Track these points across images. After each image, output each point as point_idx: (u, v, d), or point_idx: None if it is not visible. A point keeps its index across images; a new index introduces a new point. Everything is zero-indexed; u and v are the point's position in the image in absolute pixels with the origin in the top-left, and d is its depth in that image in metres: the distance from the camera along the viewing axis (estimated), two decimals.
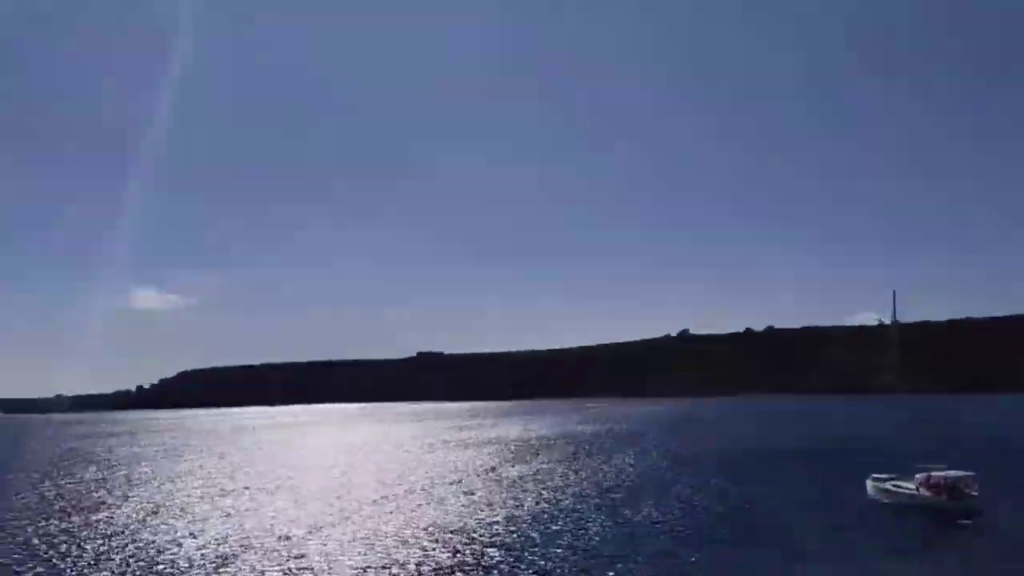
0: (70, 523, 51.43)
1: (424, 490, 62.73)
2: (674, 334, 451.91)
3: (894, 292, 57.93)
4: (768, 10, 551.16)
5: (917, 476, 50.87)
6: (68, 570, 37.98)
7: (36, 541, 45.38)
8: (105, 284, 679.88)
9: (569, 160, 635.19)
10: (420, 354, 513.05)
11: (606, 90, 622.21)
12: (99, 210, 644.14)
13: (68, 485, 74.16)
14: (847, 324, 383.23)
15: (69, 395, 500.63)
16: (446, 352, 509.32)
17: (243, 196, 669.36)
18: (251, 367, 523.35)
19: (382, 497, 59.19)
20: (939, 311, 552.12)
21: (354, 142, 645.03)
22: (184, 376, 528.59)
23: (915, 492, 50.08)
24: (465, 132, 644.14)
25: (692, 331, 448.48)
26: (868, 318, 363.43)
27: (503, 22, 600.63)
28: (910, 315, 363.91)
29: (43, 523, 51.75)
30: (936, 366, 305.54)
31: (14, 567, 38.93)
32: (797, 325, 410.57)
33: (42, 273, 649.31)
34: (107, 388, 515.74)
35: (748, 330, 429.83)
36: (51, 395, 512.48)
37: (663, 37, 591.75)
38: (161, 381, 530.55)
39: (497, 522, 47.37)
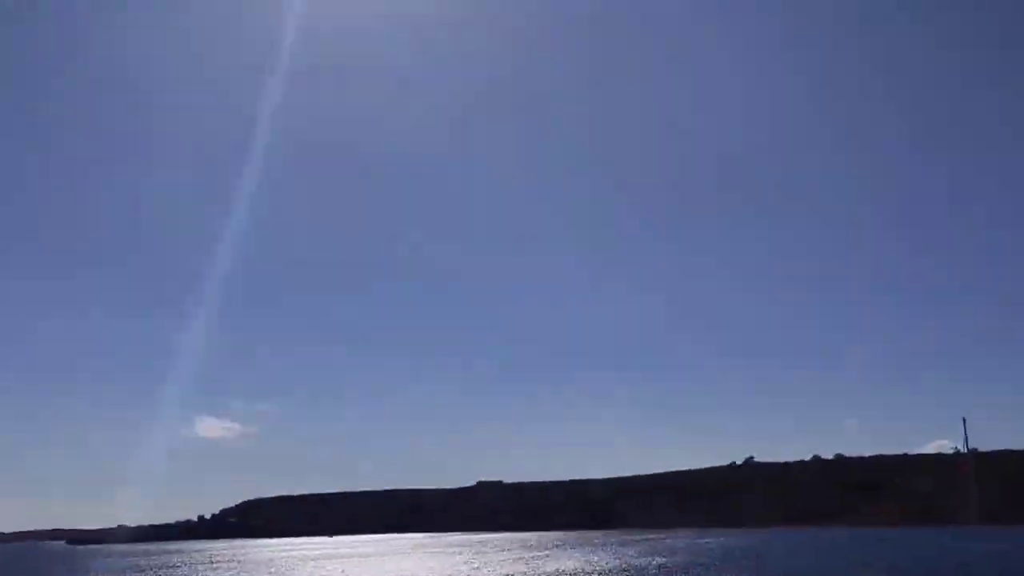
0: None
1: None
2: (739, 462, 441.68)
3: (964, 420, 56.85)
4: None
5: None
6: None
7: None
8: (166, 414, 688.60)
9: (621, 280, 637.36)
10: (480, 483, 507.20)
11: (655, 221, 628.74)
12: (160, 340, 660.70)
13: None
14: (921, 452, 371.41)
15: (131, 525, 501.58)
16: (506, 480, 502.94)
17: (303, 327, 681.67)
18: (311, 496, 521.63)
19: None
20: (1019, 439, 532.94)
21: (412, 273, 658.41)
22: (245, 505, 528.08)
23: None
24: (526, 261, 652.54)
25: (757, 459, 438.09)
26: (944, 446, 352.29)
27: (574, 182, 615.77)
28: (988, 443, 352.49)
29: None
30: (1018, 496, 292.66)
31: None
32: (868, 453, 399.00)
33: (104, 404, 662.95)
34: (169, 518, 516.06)
35: (816, 457, 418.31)
36: (114, 525, 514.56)
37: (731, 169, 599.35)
38: (222, 511, 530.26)
39: None
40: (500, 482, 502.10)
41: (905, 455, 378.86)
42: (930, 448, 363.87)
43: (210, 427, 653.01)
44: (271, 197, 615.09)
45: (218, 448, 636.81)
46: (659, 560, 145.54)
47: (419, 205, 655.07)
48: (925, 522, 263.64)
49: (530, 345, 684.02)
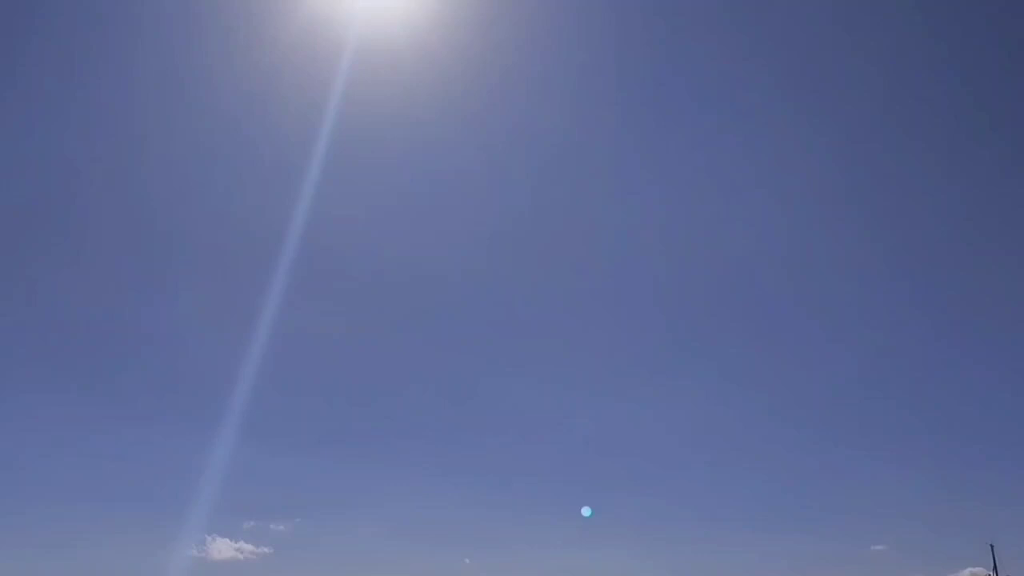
0: None
1: None
2: None
3: (992, 546, 54.30)
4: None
5: None
6: None
7: None
8: (177, 535, 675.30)
9: (647, 401, 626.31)
10: None
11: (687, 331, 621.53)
12: (171, 459, 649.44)
13: None
14: None
15: None
16: None
17: (316, 449, 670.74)
18: None
19: None
20: None
21: (433, 392, 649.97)
22: None
23: None
24: (534, 368, 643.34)
25: None
26: (978, 573, 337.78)
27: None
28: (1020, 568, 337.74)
29: None
30: None
31: None
32: None
33: (112, 526, 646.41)
34: None
35: None
36: None
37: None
38: None
39: None
40: None
41: None
42: (963, 575, 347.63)
43: (222, 548, 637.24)
44: (292, 315, 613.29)
45: (231, 571, 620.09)
46: None
47: (447, 326, 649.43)
48: None
49: (553, 467, 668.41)
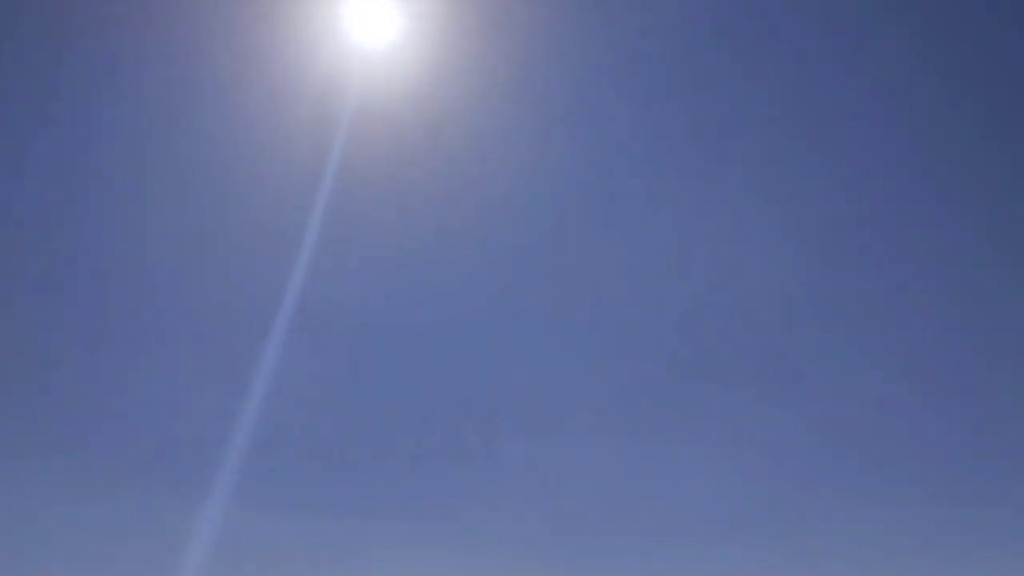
0: None
1: None
2: None
3: None
4: None
5: None
6: None
7: None
8: None
9: (649, 450, 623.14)
10: None
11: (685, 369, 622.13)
12: (165, 525, 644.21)
13: None
14: None
15: None
16: None
17: (311, 518, 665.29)
18: None
19: None
20: None
21: (430, 461, 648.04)
22: None
23: None
24: (553, 442, 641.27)
25: None
26: None
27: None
28: None
29: None
30: None
31: None
32: None
33: None
34: None
35: None
36: None
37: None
38: None
39: None
40: None
41: None
42: None
43: None
44: (289, 375, 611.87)
45: None
46: None
47: (447, 380, 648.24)
48: None
49: (553, 530, 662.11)
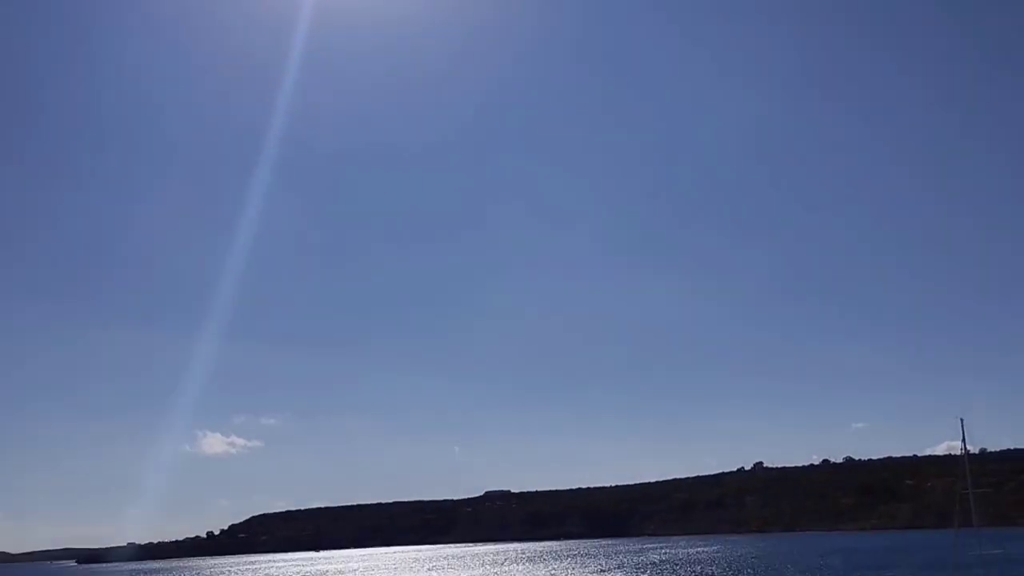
0: None
1: None
2: (748, 467, 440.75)
3: (962, 420, 56.64)
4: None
5: None
6: None
7: None
8: (170, 431, 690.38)
9: (630, 291, 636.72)
10: (487, 493, 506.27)
11: (656, 213, 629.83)
12: (163, 357, 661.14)
13: None
14: (932, 453, 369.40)
15: (140, 543, 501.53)
16: (514, 490, 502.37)
17: (305, 345, 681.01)
18: (318, 510, 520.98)
19: None
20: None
21: (416, 286, 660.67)
22: (253, 521, 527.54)
23: None
24: (513, 267, 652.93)
25: (767, 464, 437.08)
26: (955, 447, 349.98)
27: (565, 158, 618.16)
28: (999, 443, 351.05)
29: None
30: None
31: None
32: (877, 456, 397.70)
33: (108, 422, 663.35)
34: (178, 534, 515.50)
35: (825, 461, 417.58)
36: (123, 543, 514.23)
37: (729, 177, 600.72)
38: (231, 527, 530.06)
39: None
40: (508, 492, 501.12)
41: (915, 456, 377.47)
42: (940, 449, 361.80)
43: (214, 443, 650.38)
44: (278, 209, 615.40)
45: (223, 463, 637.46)
46: (671, 568, 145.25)
47: (430, 213, 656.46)
48: (940, 524, 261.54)
49: (538, 356, 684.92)
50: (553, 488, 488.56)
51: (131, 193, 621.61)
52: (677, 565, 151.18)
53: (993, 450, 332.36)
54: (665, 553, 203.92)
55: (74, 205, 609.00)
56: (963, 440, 57.71)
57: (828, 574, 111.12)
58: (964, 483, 55.76)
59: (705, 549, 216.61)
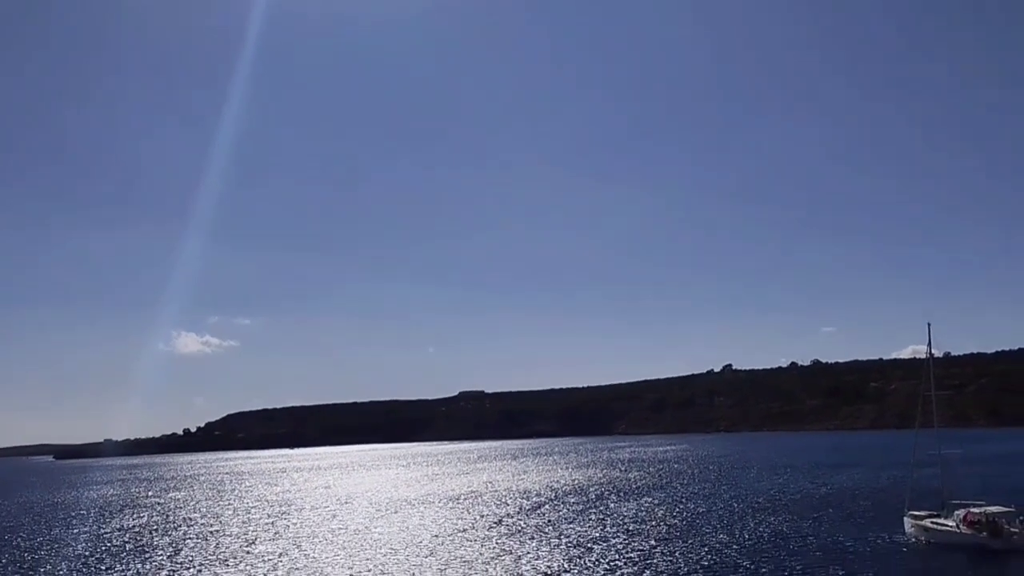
0: (113, 570, 52.51)
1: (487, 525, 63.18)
2: (718, 369, 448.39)
3: (929, 325, 57.53)
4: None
5: (956, 513, 50.28)
6: None
7: None
8: (146, 331, 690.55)
9: (603, 197, 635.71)
10: (462, 393, 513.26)
11: (635, 118, 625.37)
12: (138, 257, 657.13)
13: (116, 530, 75.53)
14: (897, 357, 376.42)
15: (116, 439, 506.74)
16: (488, 391, 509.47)
17: (281, 246, 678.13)
18: (293, 408, 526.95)
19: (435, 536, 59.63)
20: (994, 342, 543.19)
21: (395, 193, 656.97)
22: (229, 419, 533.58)
23: (954, 529, 49.43)
24: (493, 170, 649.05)
25: (736, 366, 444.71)
26: (919, 351, 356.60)
27: (530, 58, 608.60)
28: (963, 347, 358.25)
29: (85, 572, 52.89)
30: (986, 399, 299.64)
31: None
32: (844, 359, 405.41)
33: (88, 321, 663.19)
34: (155, 432, 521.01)
35: (793, 364, 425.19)
36: (100, 440, 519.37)
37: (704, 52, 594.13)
38: (207, 424, 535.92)
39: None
40: (482, 392, 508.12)
41: (881, 360, 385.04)
42: (906, 353, 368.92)
43: (189, 343, 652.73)
44: (259, 113, 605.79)
45: (199, 363, 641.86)
46: (640, 465, 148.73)
47: (412, 117, 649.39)
48: (902, 425, 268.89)
49: (513, 260, 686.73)
50: (527, 389, 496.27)
51: (111, 96, 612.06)
52: (645, 463, 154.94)
53: (957, 354, 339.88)
54: (634, 451, 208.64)
55: (53, 108, 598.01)
56: (928, 344, 58.67)
57: (791, 473, 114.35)
58: (927, 386, 56.96)
59: (674, 448, 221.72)
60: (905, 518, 54.53)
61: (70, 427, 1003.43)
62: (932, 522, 51.39)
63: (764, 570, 43.36)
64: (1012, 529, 47.65)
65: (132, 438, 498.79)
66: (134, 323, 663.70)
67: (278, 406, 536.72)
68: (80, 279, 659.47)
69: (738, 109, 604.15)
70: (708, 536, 55.99)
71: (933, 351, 60.22)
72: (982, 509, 49.30)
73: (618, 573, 43.69)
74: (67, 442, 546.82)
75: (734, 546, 51.29)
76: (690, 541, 53.79)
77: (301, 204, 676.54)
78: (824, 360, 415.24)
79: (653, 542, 54.10)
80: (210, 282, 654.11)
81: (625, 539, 55.80)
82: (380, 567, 48.19)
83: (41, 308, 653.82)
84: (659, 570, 44.09)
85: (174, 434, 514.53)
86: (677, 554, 48.84)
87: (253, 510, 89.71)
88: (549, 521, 67.82)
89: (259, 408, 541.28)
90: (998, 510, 49.11)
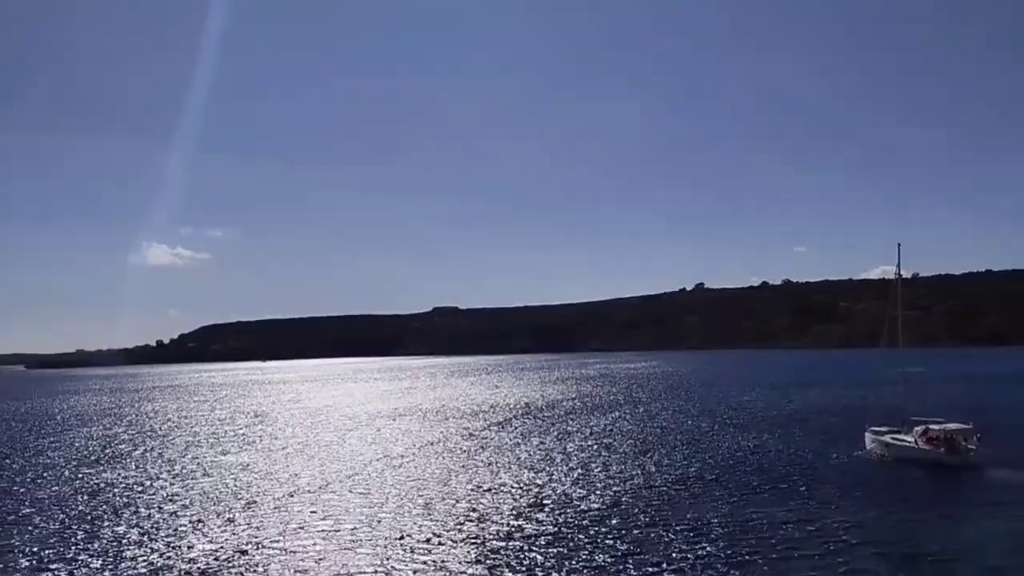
0: (85, 478, 52.81)
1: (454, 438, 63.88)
2: (689, 288, 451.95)
3: (899, 245, 57.92)
4: None
5: (916, 429, 51.35)
6: (86, 523, 39.12)
7: (44, 496, 46.68)
8: (115, 241, 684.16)
9: (577, 112, 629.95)
10: (436, 309, 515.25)
11: (615, 31, 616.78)
12: (113, 169, 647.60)
13: (88, 439, 75.85)
14: (867, 277, 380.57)
15: (89, 350, 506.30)
16: (461, 307, 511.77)
17: (256, 157, 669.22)
18: (268, 322, 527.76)
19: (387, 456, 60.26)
20: (961, 264, 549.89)
21: (368, 106, 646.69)
22: (204, 331, 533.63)
23: (913, 445, 50.54)
24: (470, 82, 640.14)
25: (708, 285, 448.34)
26: (888, 271, 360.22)
27: None
28: (931, 268, 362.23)
29: (56, 479, 53.14)
30: (953, 320, 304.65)
31: (24, 519, 40.12)
32: (816, 279, 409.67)
33: (59, 233, 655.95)
34: (127, 343, 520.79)
35: (765, 283, 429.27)
36: (72, 350, 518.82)
37: None
38: (181, 336, 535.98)
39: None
40: (456, 308, 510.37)
41: (851, 280, 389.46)
42: (875, 273, 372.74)
43: (160, 254, 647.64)
44: (240, 24, 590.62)
45: (171, 275, 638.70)
46: (611, 381, 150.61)
47: (392, 29, 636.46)
48: (869, 344, 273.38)
49: (488, 177, 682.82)
50: (501, 305, 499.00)
51: (89, 4, 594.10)
52: (616, 379, 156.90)
53: (926, 275, 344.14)
54: (606, 368, 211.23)
55: (27, 17, 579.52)
56: (898, 265, 59.26)
57: (759, 390, 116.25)
58: (895, 306, 57.69)
59: (645, 364, 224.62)
60: (866, 433, 55.72)
61: (43, 339, 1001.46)
62: (892, 438, 52.50)
63: (728, 482, 44.25)
64: (969, 446, 48.77)
65: (105, 348, 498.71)
66: (105, 235, 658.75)
67: (252, 319, 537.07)
68: (49, 191, 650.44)
69: (720, 27, 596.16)
70: (675, 450, 57.00)
71: (902, 272, 60.86)
72: (941, 426, 50.37)
73: (587, 485, 44.45)
74: (38, 352, 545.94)
75: (700, 460, 52.27)
76: (657, 455, 54.75)
77: (275, 116, 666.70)
78: (795, 280, 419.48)
79: (621, 455, 55.02)
80: (181, 194, 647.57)
81: (594, 453, 56.71)
82: (349, 478, 48.76)
83: (11, 221, 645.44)
84: (627, 482, 44.90)
85: (147, 345, 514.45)
86: (645, 468, 49.73)
87: (226, 421, 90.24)
88: (520, 435, 68.74)
89: (233, 321, 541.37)
90: (956, 427, 50.19)
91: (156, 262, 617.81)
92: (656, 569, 28.43)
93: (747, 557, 29.53)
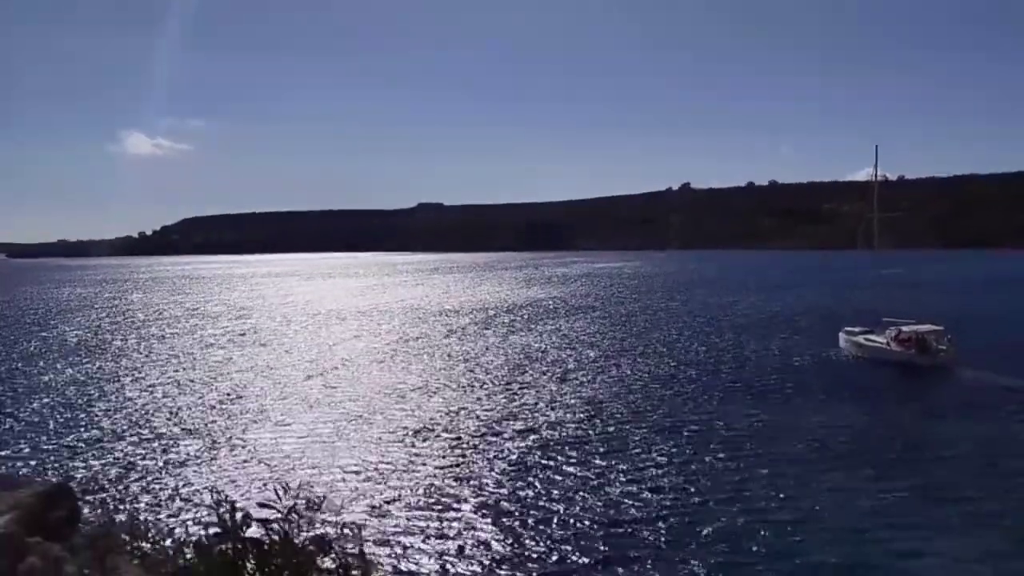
0: (69, 367, 53.20)
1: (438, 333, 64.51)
2: (676, 187, 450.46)
3: (876, 147, 57.82)
4: None
5: (888, 330, 52.09)
6: (71, 410, 39.58)
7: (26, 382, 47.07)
8: (91, 129, 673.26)
9: (578, 5, 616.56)
10: (420, 205, 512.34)
11: None
12: (85, 55, 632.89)
13: (69, 329, 76.12)
14: (852, 179, 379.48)
15: (70, 240, 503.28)
16: (446, 203, 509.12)
17: (241, 45, 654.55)
18: (252, 215, 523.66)
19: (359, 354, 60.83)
20: (945, 167, 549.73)
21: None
22: (187, 223, 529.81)
23: (884, 346, 51.34)
24: None
25: (694, 185, 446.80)
26: (870, 172, 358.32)
27: None
28: (917, 171, 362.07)
29: (41, 368, 53.54)
30: (938, 222, 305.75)
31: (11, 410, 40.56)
32: (801, 180, 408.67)
33: (37, 121, 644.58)
34: (108, 234, 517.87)
35: (751, 184, 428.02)
36: (54, 240, 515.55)
37: None
38: (163, 228, 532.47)
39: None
40: (440, 204, 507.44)
41: (836, 182, 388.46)
42: (861, 175, 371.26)
43: (139, 144, 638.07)
44: None
45: (151, 165, 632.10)
46: (595, 280, 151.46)
47: None
48: (853, 245, 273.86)
49: (475, 72, 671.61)
50: (487, 203, 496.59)
51: None
52: (600, 278, 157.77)
53: (911, 177, 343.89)
54: (590, 267, 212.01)
55: None
56: (875, 167, 59.40)
57: (742, 291, 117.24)
58: (872, 208, 57.95)
59: (629, 264, 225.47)
60: (841, 334, 56.53)
61: (23, 229, 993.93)
62: (865, 339, 53.32)
63: (704, 381, 45.05)
64: (939, 347, 49.59)
65: (85, 239, 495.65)
66: (86, 124, 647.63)
67: (234, 212, 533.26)
68: (25, 79, 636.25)
69: None
70: (655, 350, 57.78)
71: (887, 174, 61.01)
72: (912, 328, 51.09)
73: (566, 382, 45.17)
74: (19, 241, 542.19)
75: (679, 360, 53.06)
76: (637, 355, 55.49)
77: (259, 6, 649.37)
78: (781, 181, 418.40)
79: (598, 355, 55.75)
80: (162, 84, 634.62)
81: (575, 352, 57.45)
82: (327, 372, 49.34)
83: None
84: (604, 382, 45.63)
85: (129, 236, 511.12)
86: (624, 367, 50.47)
87: (207, 314, 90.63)
88: (501, 333, 69.42)
89: (217, 214, 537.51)
90: (927, 329, 50.94)
91: (136, 151, 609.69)
92: (629, 466, 29.08)
93: (722, 456, 30.20)
